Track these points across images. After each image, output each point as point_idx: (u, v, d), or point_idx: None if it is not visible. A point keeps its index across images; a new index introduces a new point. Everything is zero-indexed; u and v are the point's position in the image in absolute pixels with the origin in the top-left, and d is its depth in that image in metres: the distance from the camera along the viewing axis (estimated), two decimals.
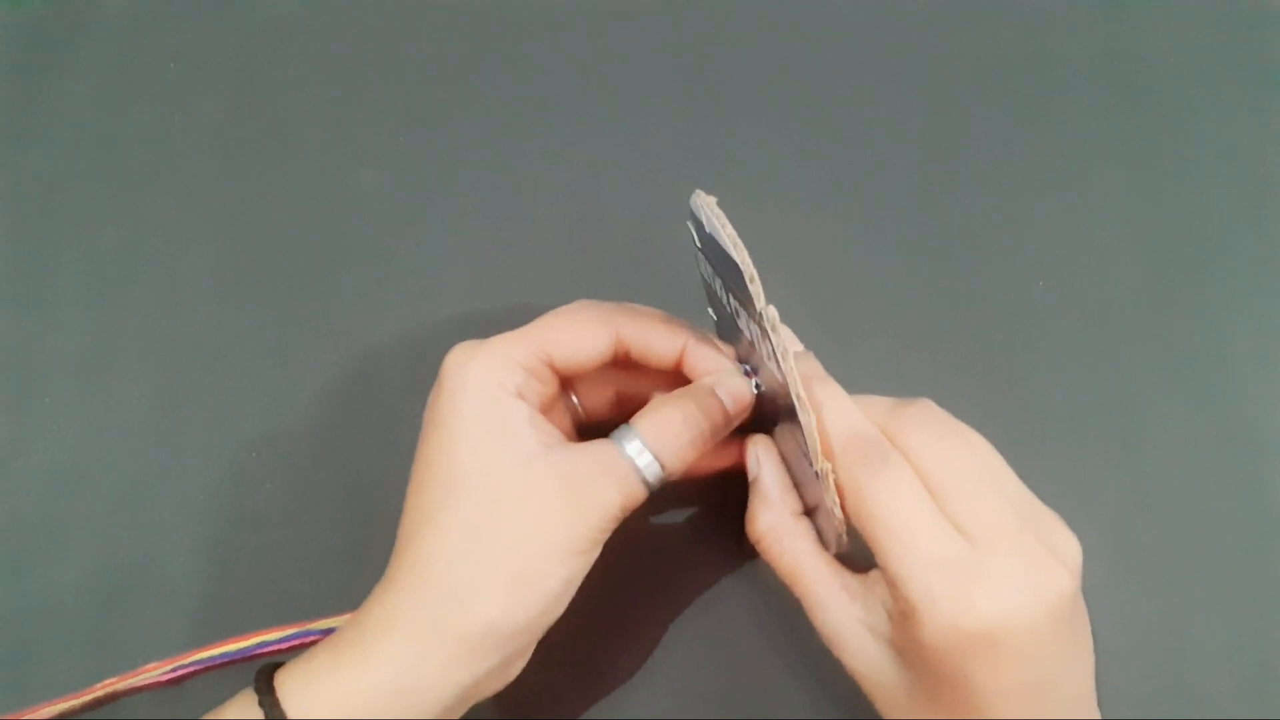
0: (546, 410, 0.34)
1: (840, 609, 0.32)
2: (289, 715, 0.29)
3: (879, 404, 0.32)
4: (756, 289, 0.30)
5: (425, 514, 0.31)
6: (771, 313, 0.30)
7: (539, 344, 0.33)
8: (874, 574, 0.32)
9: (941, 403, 0.37)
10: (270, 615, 0.36)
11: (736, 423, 0.34)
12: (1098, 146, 0.45)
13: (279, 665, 0.31)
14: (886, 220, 0.44)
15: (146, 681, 0.36)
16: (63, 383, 0.42)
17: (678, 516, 0.40)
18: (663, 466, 0.32)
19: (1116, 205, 0.45)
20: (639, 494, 0.32)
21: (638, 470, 0.31)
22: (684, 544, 0.40)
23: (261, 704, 0.29)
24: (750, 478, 0.35)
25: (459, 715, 0.31)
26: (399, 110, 0.46)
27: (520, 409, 0.32)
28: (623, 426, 0.32)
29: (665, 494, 0.37)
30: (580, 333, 0.33)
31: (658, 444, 0.32)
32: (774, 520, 0.34)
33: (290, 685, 0.30)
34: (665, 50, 0.47)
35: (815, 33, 0.47)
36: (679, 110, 0.46)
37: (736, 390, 0.33)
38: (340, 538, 0.40)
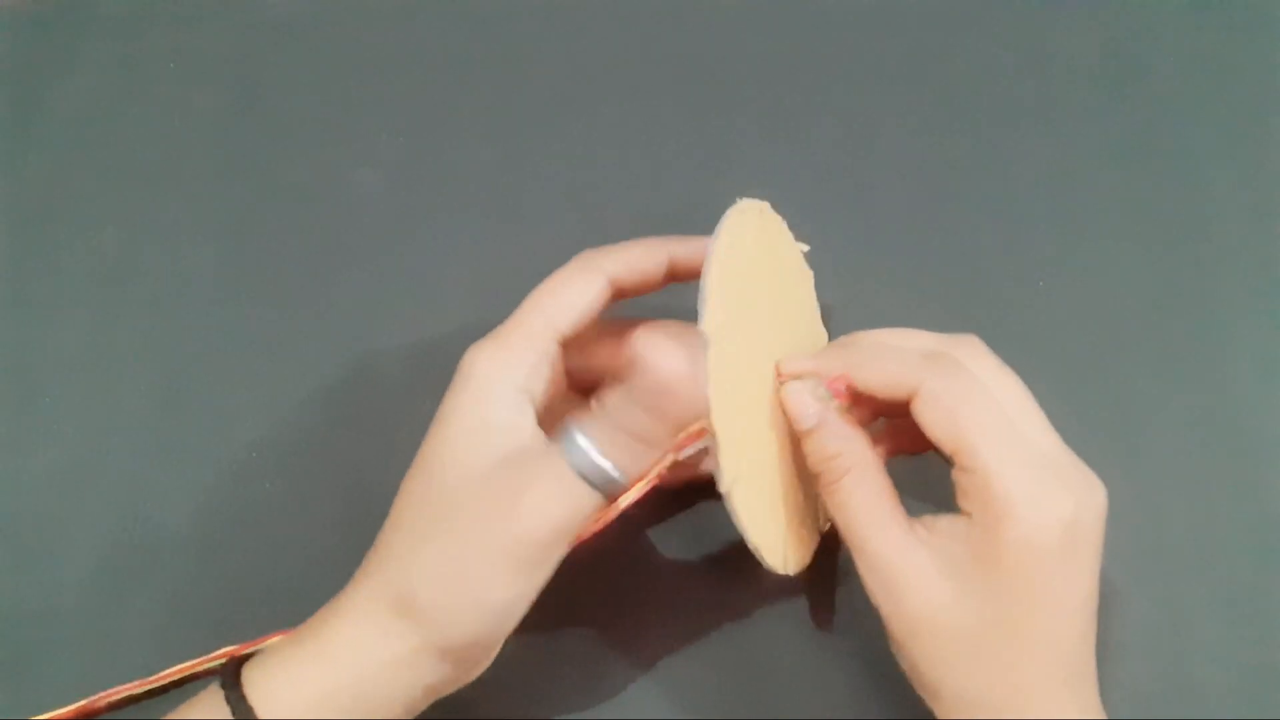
0: (557, 392, 0.33)
1: (912, 549, 0.31)
2: (254, 707, 0.29)
3: (929, 335, 0.33)
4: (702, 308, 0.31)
5: (401, 509, 0.31)
6: (704, 335, 0.31)
7: (543, 323, 0.32)
8: (928, 519, 0.32)
9: None
10: (270, 615, 0.36)
11: (691, 409, 0.32)
12: (1098, 146, 0.45)
13: (247, 659, 0.31)
14: (887, 220, 0.44)
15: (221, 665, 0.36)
16: (63, 383, 0.42)
17: (681, 516, 0.40)
18: (618, 474, 0.30)
19: (1116, 205, 0.45)
20: (587, 504, 0.30)
21: (584, 480, 0.30)
22: (686, 544, 0.40)
23: (228, 699, 0.29)
24: (809, 423, 0.33)
25: (423, 706, 0.31)
26: (399, 110, 0.46)
27: (511, 407, 0.31)
28: (570, 425, 0.30)
29: (666, 495, 0.37)
30: (575, 289, 0.33)
31: (610, 449, 0.30)
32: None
33: (255, 679, 0.30)
34: (668, 51, 0.47)
35: (816, 34, 0.47)
36: (681, 110, 0.46)
37: (674, 366, 0.32)
38: (340, 538, 0.39)
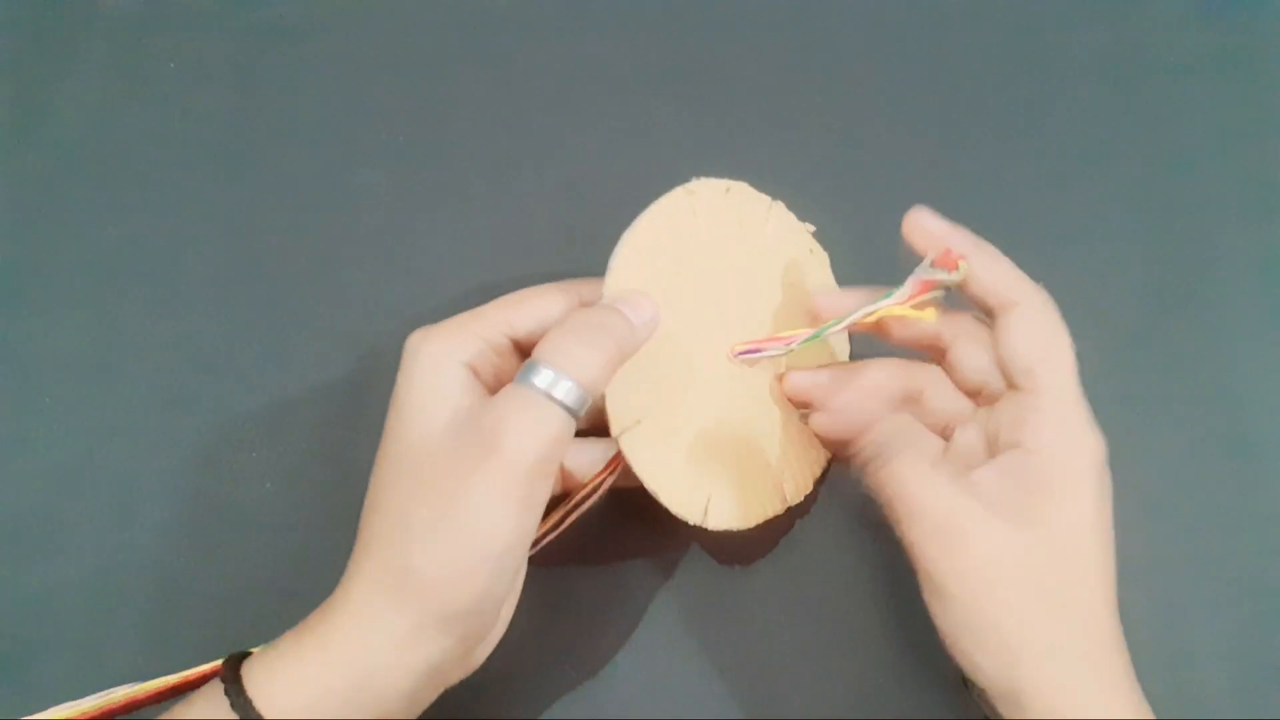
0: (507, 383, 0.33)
1: (961, 495, 0.31)
2: (255, 704, 0.29)
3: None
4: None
5: (376, 493, 0.31)
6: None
7: (499, 316, 0.33)
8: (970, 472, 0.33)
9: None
10: (270, 615, 0.36)
11: (645, 337, 0.34)
12: (1098, 146, 0.45)
13: (247, 655, 0.31)
14: (886, 220, 0.44)
15: None
16: (63, 383, 0.42)
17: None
18: (580, 385, 0.30)
19: (1116, 205, 0.45)
20: (560, 425, 0.30)
21: (552, 399, 0.30)
22: (686, 546, 0.40)
23: (228, 693, 0.29)
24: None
25: (427, 699, 0.31)
26: (399, 110, 0.46)
27: (461, 379, 0.31)
28: (527, 361, 0.31)
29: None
30: (541, 301, 0.34)
31: (566, 364, 0.30)
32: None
33: (257, 676, 0.30)
34: (668, 50, 0.47)
35: (815, 32, 0.47)
36: (682, 111, 0.46)
37: (642, 306, 0.33)
38: (340, 538, 0.39)
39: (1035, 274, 0.43)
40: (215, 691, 0.30)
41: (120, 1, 0.48)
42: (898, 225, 0.44)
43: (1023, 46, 0.47)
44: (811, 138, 0.46)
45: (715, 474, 0.36)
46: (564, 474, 0.36)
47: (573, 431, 0.31)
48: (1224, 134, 0.46)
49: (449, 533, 0.29)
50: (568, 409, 0.30)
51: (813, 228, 0.39)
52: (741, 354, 0.36)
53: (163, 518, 0.40)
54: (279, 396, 0.42)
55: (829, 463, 0.39)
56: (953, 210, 0.45)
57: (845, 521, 0.40)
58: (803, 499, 0.38)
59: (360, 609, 0.30)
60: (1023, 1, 0.48)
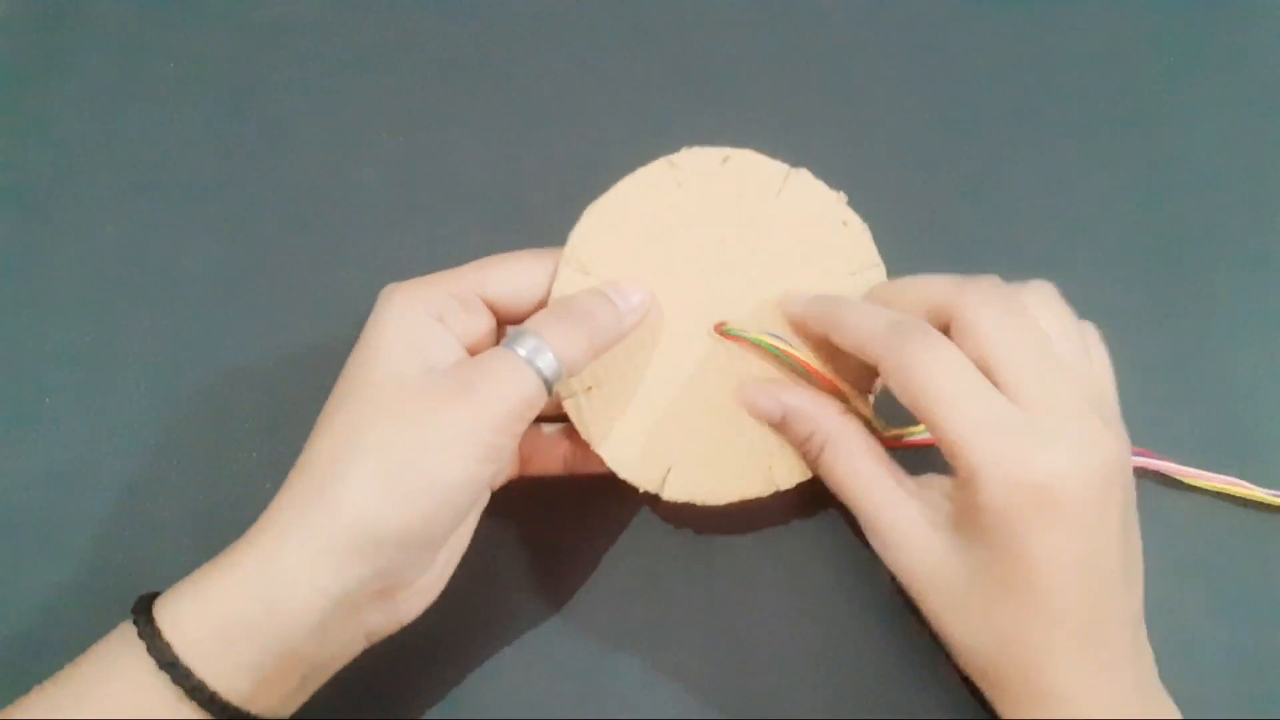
0: (479, 346, 0.34)
1: (901, 506, 0.32)
2: (164, 634, 0.28)
3: (945, 280, 0.32)
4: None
5: (327, 416, 0.31)
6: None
7: (471, 276, 0.34)
8: (927, 476, 0.32)
9: None
10: None
11: (631, 325, 0.34)
12: (1098, 146, 0.45)
13: (160, 594, 0.30)
14: (885, 221, 0.44)
15: None
16: (63, 383, 0.42)
17: (674, 518, 0.40)
18: (560, 360, 0.31)
19: (1116, 205, 0.45)
20: (534, 390, 0.31)
21: (532, 367, 0.31)
22: (683, 546, 0.40)
23: (136, 622, 0.29)
24: (775, 418, 0.34)
25: (343, 641, 0.30)
26: (399, 110, 0.46)
27: (431, 327, 0.32)
28: (515, 329, 0.32)
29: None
30: (516, 264, 0.34)
31: (551, 338, 0.32)
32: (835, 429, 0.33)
33: (166, 609, 0.29)
34: (669, 50, 0.47)
35: (814, 32, 0.47)
36: (684, 111, 0.46)
37: (630, 293, 0.34)
38: None
39: (1036, 275, 0.43)
40: (127, 629, 0.29)
41: (120, 1, 0.48)
42: (897, 226, 0.44)
43: (1024, 48, 0.47)
44: (812, 139, 0.45)
45: (679, 446, 0.35)
46: (522, 455, 0.36)
47: (543, 402, 0.32)
48: (1224, 134, 0.46)
49: (398, 453, 0.29)
50: (544, 380, 0.31)
51: (844, 196, 0.37)
52: (724, 333, 0.36)
53: (163, 518, 0.40)
54: (279, 396, 0.42)
55: None
56: (952, 210, 0.45)
57: (844, 514, 0.40)
58: (796, 484, 0.36)
59: (276, 526, 0.29)
60: (1024, 3, 0.48)
